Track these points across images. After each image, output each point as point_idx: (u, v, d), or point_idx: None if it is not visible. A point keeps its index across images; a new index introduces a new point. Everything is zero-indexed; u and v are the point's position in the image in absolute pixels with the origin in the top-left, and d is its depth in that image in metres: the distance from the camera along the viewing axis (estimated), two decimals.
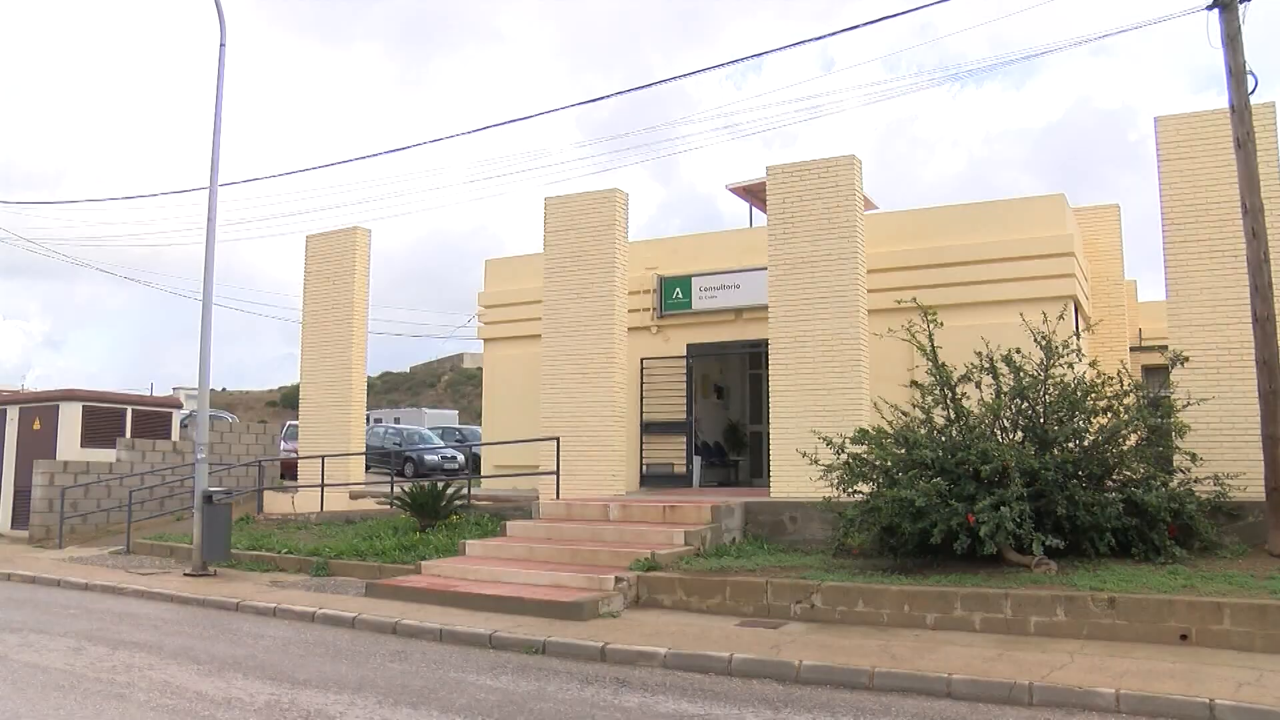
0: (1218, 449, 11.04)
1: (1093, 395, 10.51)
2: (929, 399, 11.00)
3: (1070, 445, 10.29)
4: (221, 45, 14.37)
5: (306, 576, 13.11)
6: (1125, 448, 10.47)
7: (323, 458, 17.84)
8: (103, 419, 20.07)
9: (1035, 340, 10.91)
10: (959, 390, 10.92)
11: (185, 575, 13.42)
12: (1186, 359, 10.98)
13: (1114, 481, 10.45)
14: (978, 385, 10.94)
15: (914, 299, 11.68)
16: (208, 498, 13.61)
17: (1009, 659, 7.66)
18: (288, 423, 27.09)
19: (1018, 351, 10.89)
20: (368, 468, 21.89)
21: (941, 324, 11.31)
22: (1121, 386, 10.70)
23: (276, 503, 18.58)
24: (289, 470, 21.50)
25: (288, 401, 70.35)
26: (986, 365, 10.95)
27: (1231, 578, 8.77)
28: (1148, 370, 17.72)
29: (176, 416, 21.90)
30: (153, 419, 21.05)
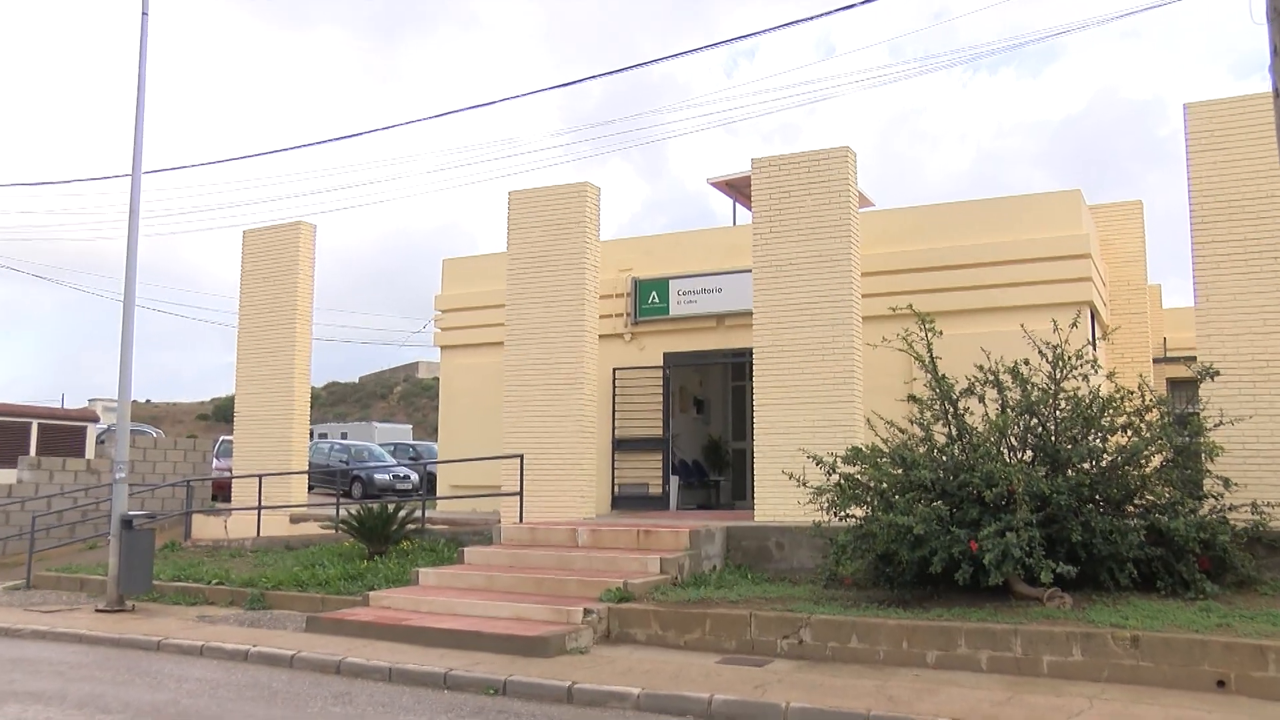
0: (1255, 473, 10.90)
1: (1110, 411, 10.47)
2: (928, 414, 10.95)
3: (1085, 466, 10.24)
4: (144, 14, 14.25)
5: (240, 610, 12.88)
6: (1147, 470, 10.36)
7: (260, 477, 17.59)
8: (3, 434, 19.63)
9: (1040, 353, 10.85)
10: (961, 405, 10.87)
11: (97, 611, 13.06)
12: (1217, 373, 10.79)
13: (1135, 507, 10.38)
14: (981, 400, 10.89)
15: (909, 305, 11.62)
16: (127, 522, 13.30)
17: (1020, 703, 7.58)
18: (221, 438, 26.91)
19: (1025, 363, 10.85)
20: (311, 488, 21.63)
21: (940, 333, 11.27)
22: (1143, 401, 10.64)
23: (207, 527, 18.29)
24: (222, 491, 21.23)
25: (221, 414, 69.71)
26: (991, 378, 10.90)
27: (1275, 617, 8.61)
28: (1173, 384, 17.69)
29: (92, 431, 21.53)
30: (63, 434, 20.65)
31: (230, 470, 19.66)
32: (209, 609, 13.07)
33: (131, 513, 13.57)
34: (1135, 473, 10.30)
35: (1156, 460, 10.49)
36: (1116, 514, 10.13)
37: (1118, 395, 10.62)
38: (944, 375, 10.96)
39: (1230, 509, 10.15)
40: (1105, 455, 10.32)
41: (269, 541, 16.82)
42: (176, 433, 52.58)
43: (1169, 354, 20.34)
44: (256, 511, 17.41)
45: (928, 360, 11.05)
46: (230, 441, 21.09)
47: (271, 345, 18.53)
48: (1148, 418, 10.51)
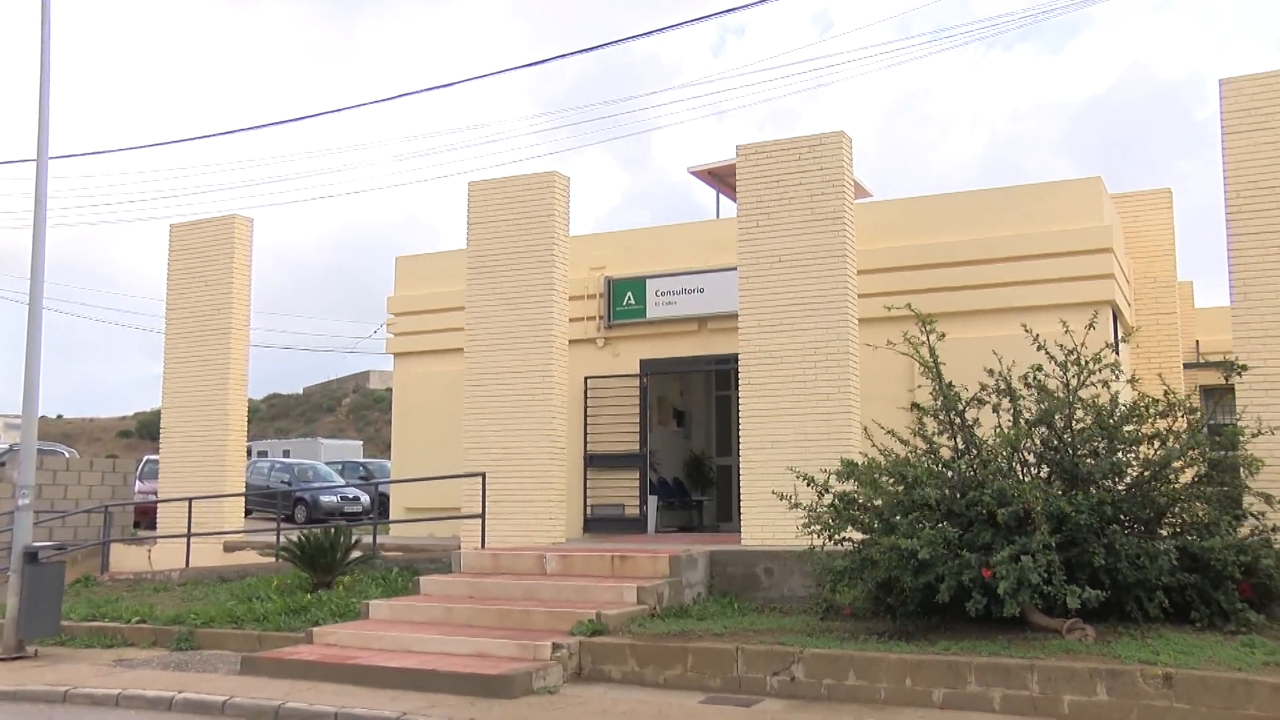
0: None
1: (1135, 420, 10.43)
2: (931, 426, 10.92)
3: (1108, 483, 10.18)
4: None
5: (165, 651, 12.69)
6: (1178, 486, 10.27)
7: (190, 500, 17.46)
8: None
9: (1052, 357, 10.82)
10: (969, 415, 10.85)
11: None
12: (1244, 368, 10.73)
13: (1165, 527, 10.32)
14: (995, 410, 10.86)
15: (908, 304, 11.61)
16: (30, 555, 13.00)
17: None
18: (145, 458, 26.83)
19: (1040, 369, 10.81)
20: (248, 513, 21.52)
21: (943, 335, 11.26)
22: (1171, 409, 10.52)
23: (128, 559, 18.14)
24: (146, 517, 21.09)
25: (146, 431, 69.20)
26: (1003, 386, 10.88)
27: None
28: (1207, 391, 17.66)
29: None
30: None
31: (155, 494, 19.51)
32: (128, 651, 12.84)
33: (37, 544, 13.31)
34: (1164, 489, 10.21)
35: (1188, 475, 10.41)
36: (1144, 535, 10.08)
37: (1143, 404, 10.58)
38: (950, 383, 10.93)
39: (1275, 530, 10.06)
40: (1131, 470, 10.28)
41: (200, 573, 16.64)
42: (94, 452, 52.08)
43: (1202, 358, 20.36)
44: (185, 539, 17.27)
45: (932, 366, 11.03)
46: (156, 461, 20.90)
47: (203, 353, 18.42)
48: (1175, 426, 10.47)
